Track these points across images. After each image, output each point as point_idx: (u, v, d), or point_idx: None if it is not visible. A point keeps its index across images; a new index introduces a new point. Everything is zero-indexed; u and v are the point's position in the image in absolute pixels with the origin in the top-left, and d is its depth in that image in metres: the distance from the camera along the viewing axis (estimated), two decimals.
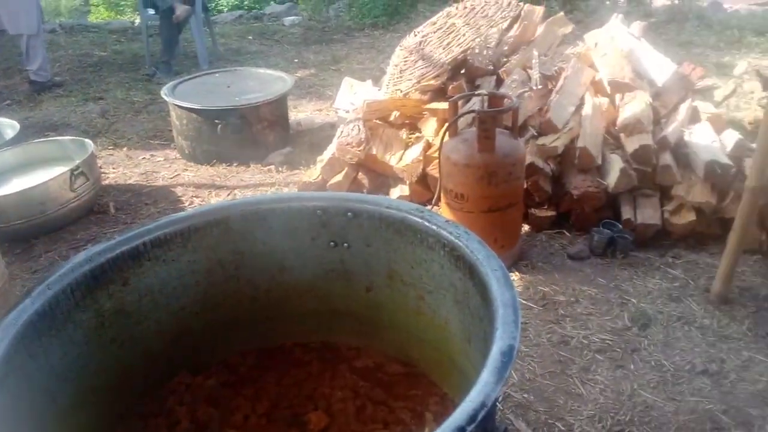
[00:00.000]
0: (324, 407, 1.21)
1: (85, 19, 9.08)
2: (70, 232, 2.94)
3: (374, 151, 3.09)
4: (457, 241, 1.08)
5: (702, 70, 3.14)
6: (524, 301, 2.19)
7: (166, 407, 1.22)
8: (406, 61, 3.31)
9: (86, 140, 3.21)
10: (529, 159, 2.56)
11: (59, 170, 3.10)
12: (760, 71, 3.90)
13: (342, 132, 3.20)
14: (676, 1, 6.18)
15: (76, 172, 2.89)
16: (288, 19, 7.24)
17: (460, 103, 2.66)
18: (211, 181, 3.45)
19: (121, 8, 10.30)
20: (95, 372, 1.12)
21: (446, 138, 2.47)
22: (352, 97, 3.88)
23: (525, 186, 2.51)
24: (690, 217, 2.43)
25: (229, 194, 3.31)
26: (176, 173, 3.57)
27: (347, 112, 3.84)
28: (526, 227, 2.66)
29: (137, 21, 7.71)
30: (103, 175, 3.43)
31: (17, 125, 3.42)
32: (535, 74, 3.04)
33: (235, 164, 3.60)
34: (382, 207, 1.19)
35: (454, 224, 1.11)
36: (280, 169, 3.55)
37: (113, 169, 3.61)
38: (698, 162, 2.49)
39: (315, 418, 1.17)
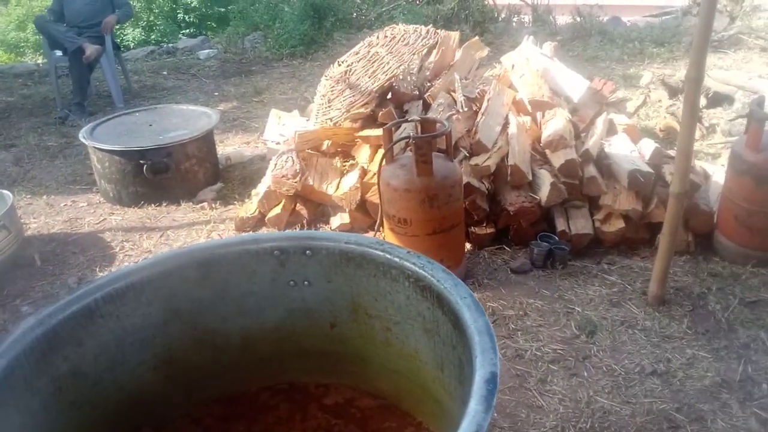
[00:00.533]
0: None
1: None
2: None
3: (310, 181, 3.09)
4: (421, 271, 1.10)
5: (612, 84, 3.36)
6: None
7: None
8: (333, 91, 3.34)
9: (4, 191, 3.03)
10: (465, 179, 2.63)
11: None
12: (665, 80, 4.21)
13: (276, 164, 3.19)
14: (578, 19, 6.56)
15: None
16: (203, 53, 7.14)
17: (393, 129, 2.71)
18: (141, 224, 3.33)
19: (21, 50, 9.83)
20: None
21: (383, 164, 2.51)
22: (281, 128, 3.87)
23: (464, 206, 2.58)
24: (619, 224, 2.58)
25: (161, 235, 3.20)
26: (102, 218, 3.43)
27: (277, 143, 3.83)
28: (468, 245, 2.73)
29: (41, 62, 7.38)
30: (24, 225, 3.24)
31: None
32: (459, 97, 3.15)
33: (164, 204, 3.50)
34: (341, 243, 1.20)
35: (416, 254, 1.13)
36: (213, 205, 3.48)
37: (34, 218, 3.42)
38: (621, 172, 2.65)
39: None
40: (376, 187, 2.53)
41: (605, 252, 2.61)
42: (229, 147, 4.38)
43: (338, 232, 1.22)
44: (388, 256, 1.16)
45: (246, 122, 4.92)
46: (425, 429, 1.21)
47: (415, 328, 1.16)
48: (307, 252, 1.22)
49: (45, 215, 3.48)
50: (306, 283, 1.26)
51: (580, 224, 2.62)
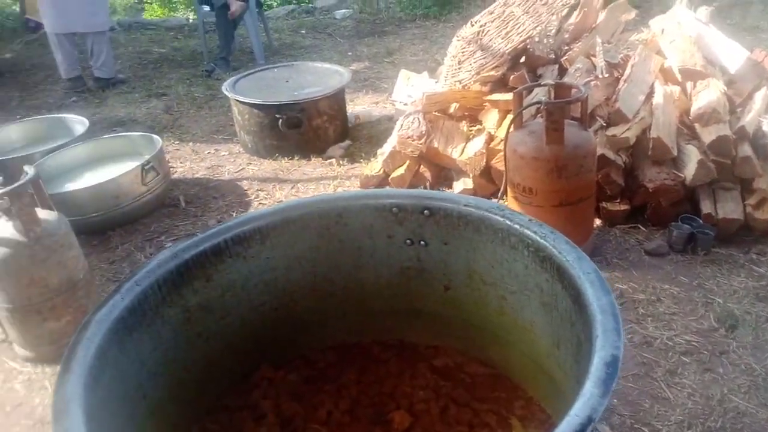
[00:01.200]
0: (406, 407, 1.20)
1: (140, 16, 9.33)
2: (144, 225, 3.03)
3: (435, 144, 3.06)
4: (542, 240, 1.05)
5: None
6: None
7: (250, 401, 1.24)
8: (464, 52, 3.25)
9: (154, 136, 3.30)
10: (599, 151, 2.48)
11: (130, 165, 3.20)
12: None
13: (402, 125, 3.19)
14: None
15: (146, 167, 2.98)
16: (339, 13, 7.26)
17: (524, 93, 2.60)
18: (274, 175, 3.50)
19: (174, 5, 10.51)
20: (183, 366, 1.14)
21: (511, 130, 2.42)
22: (409, 89, 3.85)
23: (596, 179, 2.44)
24: None
25: (292, 187, 3.34)
26: (241, 167, 3.64)
27: (405, 104, 3.82)
28: (597, 221, 2.58)
29: (192, 18, 7.88)
30: (171, 169, 3.52)
31: (86, 121, 3.55)
32: (599, 62, 2.94)
33: (296, 158, 3.64)
34: (460, 205, 1.17)
35: (539, 223, 1.08)
36: (340, 162, 3.57)
37: (180, 163, 3.70)
38: None
39: (399, 417, 1.16)
40: (502, 153, 2.46)
41: (755, 241, 2.36)
42: (358, 106, 4.45)
43: (458, 195, 1.19)
44: (509, 222, 1.11)
45: (376, 82, 4.96)
46: (536, 404, 1.17)
47: (531, 300, 1.12)
48: (425, 212, 1.21)
49: (190, 161, 3.76)
50: (422, 243, 1.25)
51: (729, 208, 2.37)
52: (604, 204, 2.55)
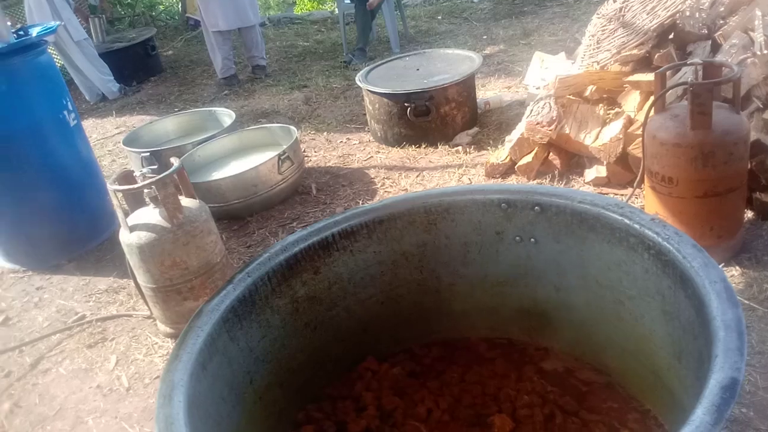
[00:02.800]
0: (509, 410, 1.16)
1: (291, 11, 9.82)
2: (278, 211, 3.21)
3: (567, 130, 2.90)
4: (665, 243, 0.94)
5: None
6: (745, 301, 1.90)
7: (354, 392, 1.26)
8: (603, 30, 3.03)
9: (291, 127, 3.46)
10: (753, 136, 2.20)
11: (269, 155, 3.39)
12: None
13: (531, 110, 3.05)
14: None
15: (282, 157, 3.14)
16: None
17: (668, 74, 2.37)
18: (401, 163, 3.53)
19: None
20: (290, 354, 1.19)
21: (651, 114, 2.22)
22: (543, 72, 3.68)
23: (749, 167, 2.17)
24: None
25: (417, 175, 3.35)
26: (369, 156, 3.71)
27: (538, 88, 3.66)
28: (749, 214, 2.30)
29: (336, 11, 8.13)
30: (306, 158, 3.69)
31: (233, 114, 3.80)
32: (758, 37, 2.59)
33: (423, 146, 3.64)
34: (574, 201, 1.09)
35: (662, 223, 0.97)
36: (467, 149, 3.51)
37: (315, 152, 3.86)
38: None
39: (500, 421, 1.12)
40: (641, 136, 2.26)
41: None
42: (489, 91, 4.34)
43: (571, 189, 1.10)
44: (628, 221, 1.02)
45: (510, 66, 4.80)
46: (653, 418, 1.07)
47: (652, 307, 1.02)
48: (536, 208, 1.14)
49: (324, 150, 3.90)
50: (532, 240, 1.19)
51: None
52: (757, 194, 2.27)
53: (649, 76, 2.75)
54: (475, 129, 3.70)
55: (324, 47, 6.37)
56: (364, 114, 4.33)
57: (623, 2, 3.02)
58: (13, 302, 2.85)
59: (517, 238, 1.20)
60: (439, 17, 6.67)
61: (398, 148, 3.69)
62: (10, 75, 2.82)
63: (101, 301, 2.73)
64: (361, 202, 3.18)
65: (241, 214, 3.18)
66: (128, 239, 2.22)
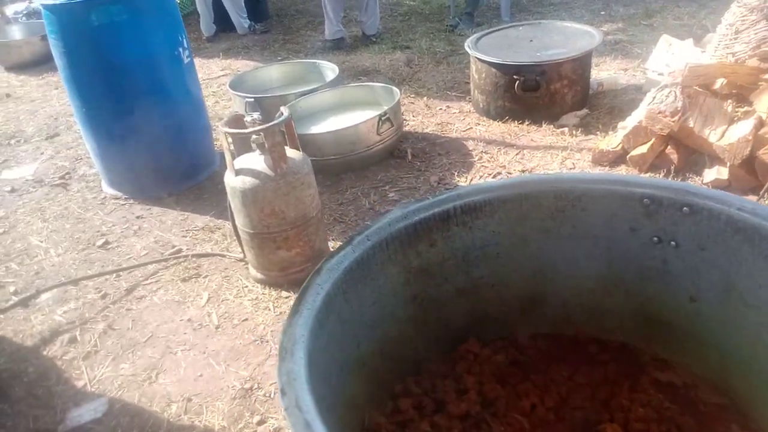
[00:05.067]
0: (621, 421, 1.09)
1: None
2: (372, 172, 3.19)
3: (691, 123, 2.70)
4: None
5: None
6: None
7: (455, 372, 1.23)
8: (744, 21, 2.77)
9: (394, 88, 3.40)
10: None
11: (369, 113, 3.36)
12: None
13: (654, 98, 2.86)
14: None
15: (383, 118, 3.10)
16: None
17: None
18: (501, 138, 3.41)
19: None
20: (396, 324, 1.16)
21: None
22: (669, 57, 3.43)
23: None
24: None
25: (517, 153, 3.24)
26: (469, 126, 3.61)
27: (661, 74, 3.42)
28: None
29: None
30: (404, 122, 3.63)
31: (337, 68, 3.78)
32: None
33: (526, 122, 3.50)
34: (732, 207, 0.99)
35: None
36: (573, 132, 3.35)
37: (413, 117, 3.79)
38: None
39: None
40: None
41: None
42: (603, 72, 4.11)
43: (730, 194, 0.99)
44: None
45: (628, 46, 4.51)
46: None
47: None
48: (684, 209, 1.05)
49: (422, 115, 3.83)
50: (672, 243, 1.09)
51: None
52: None
53: None
54: (585, 111, 3.52)
55: (430, 8, 6.22)
56: (467, 82, 4.21)
57: None
58: (114, 227, 2.99)
59: (655, 238, 1.11)
60: None
61: (500, 122, 3.57)
62: (132, 6, 2.89)
63: (197, 237, 2.82)
64: (456, 173, 3.11)
65: (335, 170, 3.18)
66: (233, 182, 2.26)
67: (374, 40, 5.29)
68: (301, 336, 0.85)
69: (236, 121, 2.33)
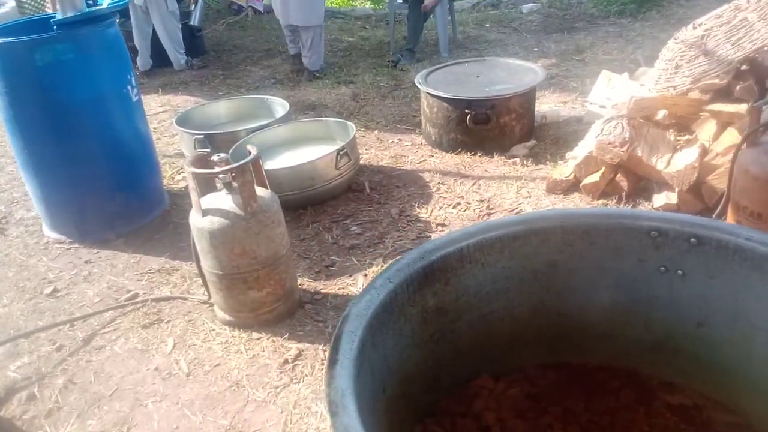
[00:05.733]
0: None
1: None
2: (332, 206, 3.17)
3: (639, 153, 2.86)
4: None
5: None
6: None
7: (473, 410, 1.22)
8: (683, 56, 2.98)
9: (349, 123, 3.42)
10: None
11: (324, 148, 3.35)
12: None
13: (602, 129, 3.01)
14: None
15: (341, 153, 3.09)
16: (526, 7, 7.05)
17: (761, 108, 2.32)
18: (456, 169, 3.48)
19: None
20: (414, 365, 1.15)
21: (742, 147, 2.17)
22: (610, 91, 3.63)
23: None
24: None
25: (473, 183, 3.31)
26: (423, 158, 3.67)
27: (601, 107, 3.61)
28: None
29: (374, 7, 8.09)
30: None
31: (287, 104, 3.75)
32: None
33: (479, 154, 3.59)
34: (740, 238, 1.04)
35: None
36: (524, 162, 3.46)
37: (366, 150, 3.81)
38: None
39: None
40: (722, 170, 2.21)
41: None
42: (544, 105, 4.29)
43: (737, 225, 1.06)
44: None
45: (564, 81, 4.75)
46: None
47: None
48: (692, 240, 1.10)
49: (375, 148, 3.86)
50: (679, 272, 1.14)
51: None
52: None
53: (730, 107, 2.71)
54: (533, 141, 3.66)
55: (370, 44, 6.33)
56: (415, 116, 4.30)
57: (705, 30, 2.96)
58: (61, 274, 2.82)
59: (662, 268, 1.15)
60: (487, 25, 6.63)
61: (453, 154, 3.64)
62: (79, 44, 2.79)
63: (154, 281, 2.70)
64: (416, 205, 3.14)
65: (294, 205, 3.14)
66: (200, 223, 2.19)
67: (317, 75, 5.31)
68: (347, 388, 0.82)
69: (201, 160, 2.27)
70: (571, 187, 3.07)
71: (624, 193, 2.92)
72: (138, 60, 5.67)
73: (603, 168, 2.95)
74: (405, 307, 1.10)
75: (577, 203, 2.97)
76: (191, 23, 5.90)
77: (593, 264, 1.21)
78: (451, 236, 1.17)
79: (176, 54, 5.80)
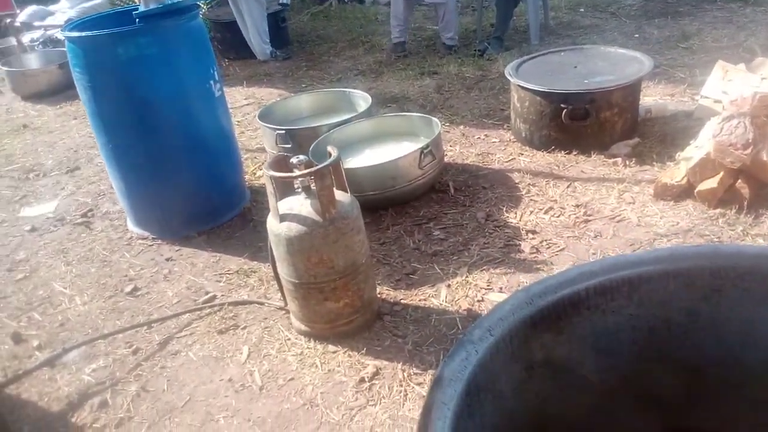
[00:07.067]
0: None
1: None
2: (414, 208, 3.00)
3: (764, 157, 2.49)
4: None
5: None
6: None
7: None
8: None
9: (434, 119, 3.22)
10: None
11: (407, 145, 3.18)
12: None
13: (721, 129, 2.65)
14: None
15: (425, 151, 2.91)
16: None
17: None
18: (548, 170, 3.22)
19: None
20: (517, 429, 0.96)
21: None
22: (726, 84, 3.23)
23: None
24: None
25: (568, 186, 3.04)
26: (511, 157, 3.42)
27: (717, 101, 3.23)
28: None
29: None
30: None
31: (369, 98, 3.60)
32: None
33: (574, 153, 3.30)
34: None
35: None
36: (627, 162, 3.15)
37: (450, 147, 3.61)
38: None
39: None
40: None
41: None
42: (648, 97, 3.91)
43: None
44: None
45: (669, 71, 4.33)
46: None
47: None
48: None
49: (460, 145, 3.64)
50: None
51: None
52: None
53: None
54: (636, 139, 3.32)
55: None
56: (503, 109, 4.04)
57: None
58: (142, 271, 2.81)
59: None
60: (582, 10, 6.20)
61: (545, 152, 3.37)
62: (162, 38, 2.74)
63: (232, 282, 2.63)
64: (504, 209, 2.91)
65: (375, 206, 2.99)
66: (277, 229, 2.07)
67: (455, 50, 5.29)
68: None
69: (280, 162, 2.15)
70: (683, 193, 2.74)
71: (745, 202, 2.57)
72: (254, 48, 5.75)
73: (722, 173, 2.61)
74: (508, 363, 0.91)
75: (690, 211, 2.65)
76: (281, 1, 5.85)
77: (743, 315, 0.97)
78: (566, 275, 0.97)
79: (261, 44, 5.79)
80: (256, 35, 5.74)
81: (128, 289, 2.66)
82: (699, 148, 2.77)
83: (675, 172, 2.79)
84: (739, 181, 2.62)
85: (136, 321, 2.44)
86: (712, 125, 2.80)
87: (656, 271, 0.97)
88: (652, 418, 1.09)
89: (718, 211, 2.61)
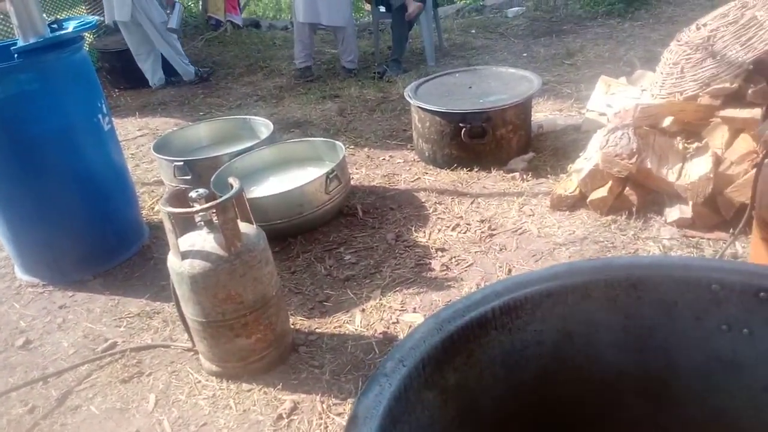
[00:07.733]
0: None
1: None
2: (323, 234, 2.97)
3: (648, 165, 2.68)
4: None
5: None
6: None
7: None
8: (688, 59, 2.82)
9: (337, 143, 3.22)
10: None
11: (312, 170, 3.16)
12: None
13: (607, 140, 2.83)
14: None
15: (331, 176, 2.90)
16: (511, 11, 6.91)
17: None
18: (452, 187, 3.30)
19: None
20: None
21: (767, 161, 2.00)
22: (610, 98, 3.46)
23: None
24: None
25: (472, 202, 3.12)
26: (417, 177, 3.48)
27: (601, 114, 3.45)
28: None
29: (359, 17, 7.91)
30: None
31: (271, 124, 3.55)
32: None
33: (475, 169, 3.41)
34: None
35: None
36: (524, 176, 3.28)
37: (356, 169, 3.62)
38: None
39: None
40: (752, 183, 2.03)
41: None
42: (539, 113, 4.12)
43: None
44: None
45: (557, 87, 4.58)
46: None
47: None
48: (761, 294, 0.91)
49: (366, 167, 3.67)
50: (745, 331, 0.96)
51: None
52: None
53: (745, 112, 2.55)
54: (531, 154, 3.48)
55: None
56: (405, 130, 4.12)
57: (710, 31, 2.80)
58: (34, 322, 2.60)
59: (724, 326, 0.97)
60: (473, 31, 6.47)
61: (448, 171, 3.46)
62: (44, 73, 2.58)
63: (134, 326, 2.48)
64: (413, 228, 2.95)
65: (283, 234, 2.94)
66: (179, 267, 1.98)
67: (354, 74, 5.34)
68: None
69: (178, 196, 2.07)
70: (577, 202, 2.89)
71: (634, 208, 2.74)
72: (149, 77, 5.56)
73: (610, 182, 2.78)
74: (422, 392, 0.91)
75: (585, 220, 2.79)
76: (169, 26, 5.69)
77: (641, 323, 1.02)
78: (473, 298, 0.98)
79: (183, 65, 5.62)
80: (175, 58, 5.57)
81: (20, 342, 2.45)
82: (588, 159, 2.94)
83: (568, 184, 2.94)
84: (627, 188, 2.79)
85: (30, 377, 2.24)
86: (598, 137, 2.99)
87: (555, 287, 1.00)
88: (559, 426, 1.12)
89: (610, 218, 2.77)
